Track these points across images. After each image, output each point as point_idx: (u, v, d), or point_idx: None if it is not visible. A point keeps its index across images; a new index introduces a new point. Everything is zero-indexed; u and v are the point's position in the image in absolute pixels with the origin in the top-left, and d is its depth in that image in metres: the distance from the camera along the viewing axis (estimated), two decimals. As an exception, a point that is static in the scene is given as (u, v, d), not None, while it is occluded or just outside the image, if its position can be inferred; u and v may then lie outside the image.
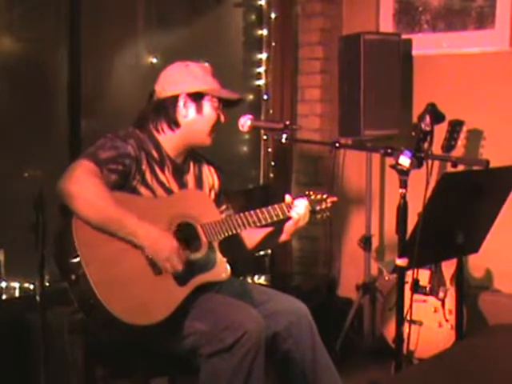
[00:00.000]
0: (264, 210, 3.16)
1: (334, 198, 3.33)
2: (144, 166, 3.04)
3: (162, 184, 3.09)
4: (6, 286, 3.96)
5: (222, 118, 3.17)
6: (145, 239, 2.89)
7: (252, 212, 3.14)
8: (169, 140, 3.15)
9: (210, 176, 3.32)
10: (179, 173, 3.18)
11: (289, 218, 3.20)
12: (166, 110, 3.13)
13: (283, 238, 3.26)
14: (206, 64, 3.23)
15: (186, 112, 3.13)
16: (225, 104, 3.19)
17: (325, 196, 3.30)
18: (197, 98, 3.13)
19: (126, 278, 2.86)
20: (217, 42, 5.08)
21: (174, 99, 3.12)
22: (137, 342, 2.97)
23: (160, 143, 3.13)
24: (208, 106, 3.14)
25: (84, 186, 2.86)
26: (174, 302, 2.91)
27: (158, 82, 3.19)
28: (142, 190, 3.03)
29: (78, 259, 2.80)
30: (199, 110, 3.13)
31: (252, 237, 3.32)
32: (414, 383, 2.36)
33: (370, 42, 4.70)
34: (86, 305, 2.82)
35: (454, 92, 4.88)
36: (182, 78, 3.15)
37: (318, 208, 3.27)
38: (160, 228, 2.94)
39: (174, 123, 3.13)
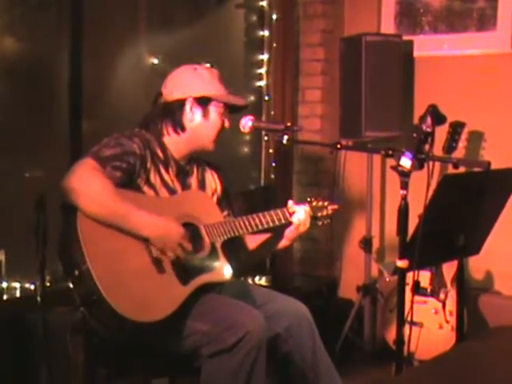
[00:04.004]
0: (266, 213, 3.18)
1: (335, 206, 3.35)
2: (149, 165, 3.05)
3: (165, 184, 3.10)
4: (7, 287, 3.96)
5: (227, 124, 3.18)
6: (151, 230, 2.91)
7: (254, 215, 3.16)
8: (174, 142, 3.15)
9: (212, 181, 3.33)
10: (183, 174, 3.19)
11: (290, 224, 3.21)
12: (172, 114, 3.13)
13: (284, 243, 3.29)
14: (213, 68, 3.24)
15: (193, 116, 3.13)
16: (230, 109, 3.20)
17: (326, 203, 3.32)
18: (203, 102, 3.13)
19: (129, 275, 2.87)
20: (218, 43, 5.08)
21: (181, 103, 3.13)
22: (138, 341, 2.98)
23: (165, 144, 3.14)
24: (214, 112, 3.15)
25: (87, 182, 2.88)
26: (175, 300, 2.91)
27: (165, 85, 3.19)
28: (146, 188, 3.04)
29: (82, 254, 2.81)
30: (205, 114, 3.14)
31: (253, 240, 3.33)
32: (415, 385, 2.36)
33: (371, 44, 4.70)
34: (89, 300, 2.84)
35: (456, 93, 4.89)
36: (190, 82, 3.15)
37: (319, 214, 3.29)
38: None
39: (180, 127, 3.14)
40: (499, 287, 4.81)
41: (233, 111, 3.22)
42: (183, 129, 3.14)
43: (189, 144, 3.17)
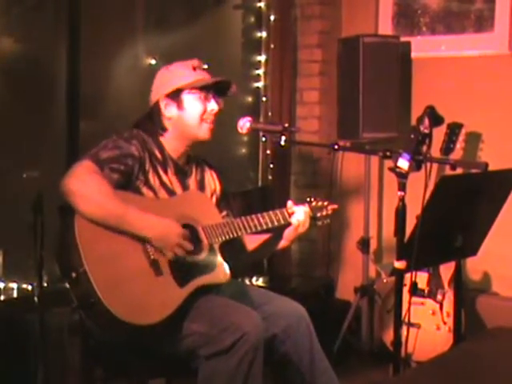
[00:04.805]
0: (265, 214, 3.17)
1: (335, 206, 3.35)
2: (147, 167, 3.05)
3: (164, 185, 3.10)
4: (5, 287, 3.96)
5: (212, 107, 3.16)
6: (150, 231, 2.91)
7: (253, 216, 3.15)
8: (168, 142, 3.15)
9: (212, 181, 3.32)
10: (182, 175, 3.19)
11: (289, 224, 3.20)
12: (152, 118, 3.16)
13: (283, 243, 3.28)
14: (194, 60, 3.22)
15: (169, 112, 3.14)
16: (217, 92, 3.18)
17: (325, 203, 3.32)
18: (175, 95, 3.13)
19: (126, 278, 2.87)
20: (216, 44, 5.08)
21: (157, 105, 3.15)
22: (135, 343, 2.98)
23: (163, 144, 3.14)
24: (189, 100, 3.14)
25: (84, 184, 2.88)
26: (173, 302, 2.91)
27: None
28: (145, 190, 3.04)
29: (79, 257, 2.81)
30: (180, 105, 3.14)
31: (252, 241, 3.33)
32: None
33: (369, 45, 4.71)
34: (86, 303, 2.83)
35: (453, 95, 4.89)
36: (161, 82, 3.18)
37: (318, 215, 3.29)
38: None
39: (160, 128, 3.15)
40: (497, 288, 4.81)
41: (221, 94, 3.20)
42: (164, 129, 3.15)
43: (181, 140, 3.16)
